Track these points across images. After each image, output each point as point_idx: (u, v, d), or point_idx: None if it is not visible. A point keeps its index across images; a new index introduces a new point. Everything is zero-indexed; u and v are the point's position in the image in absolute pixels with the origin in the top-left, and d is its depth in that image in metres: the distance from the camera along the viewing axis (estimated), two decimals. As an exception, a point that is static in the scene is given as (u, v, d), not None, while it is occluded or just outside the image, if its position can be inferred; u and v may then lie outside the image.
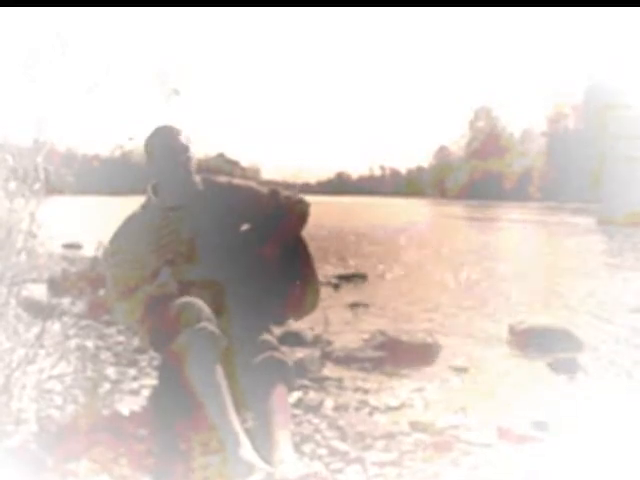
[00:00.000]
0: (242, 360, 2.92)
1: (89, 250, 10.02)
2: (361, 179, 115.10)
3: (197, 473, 2.69)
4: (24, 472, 2.60)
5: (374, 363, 4.71)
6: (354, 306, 7.41)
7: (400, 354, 4.86)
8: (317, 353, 4.81)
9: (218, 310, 2.99)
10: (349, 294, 8.46)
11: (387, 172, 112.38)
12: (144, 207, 3.31)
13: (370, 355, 4.82)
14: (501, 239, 20.83)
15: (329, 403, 3.73)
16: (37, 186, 3.02)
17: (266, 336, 3.03)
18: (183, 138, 3.29)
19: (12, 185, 3.00)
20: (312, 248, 3.44)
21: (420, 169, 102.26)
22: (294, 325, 4.57)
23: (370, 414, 3.63)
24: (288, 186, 3.76)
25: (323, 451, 3.05)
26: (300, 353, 4.69)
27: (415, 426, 3.39)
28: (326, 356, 4.81)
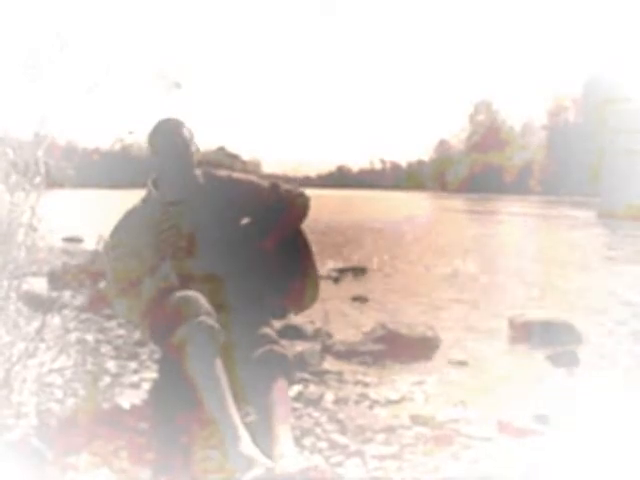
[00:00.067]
0: (242, 354, 2.92)
1: (89, 244, 10.05)
2: (362, 172, 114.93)
3: (197, 467, 2.70)
4: (24, 465, 2.60)
5: (374, 356, 4.71)
6: (354, 299, 7.42)
7: (400, 347, 4.87)
8: (317, 347, 4.82)
9: (218, 304, 2.99)
10: (349, 288, 8.47)
11: (388, 165, 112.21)
12: (144, 201, 3.31)
13: (370, 348, 4.83)
14: (501, 232, 20.83)
15: (329, 396, 3.73)
16: (37, 180, 3.02)
17: (266, 330, 3.03)
18: (186, 132, 3.29)
19: (13, 179, 3.00)
20: (312, 242, 3.44)
21: (420, 162, 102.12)
22: (294, 319, 4.59)
23: (370, 407, 3.63)
24: (289, 179, 3.76)
25: (323, 444, 3.05)
26: (300, 347, 4.70)
27: (415, 419, 3.39)
28: (326, 349, 4.82)
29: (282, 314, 3.39)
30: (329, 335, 5.27)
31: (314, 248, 3.44)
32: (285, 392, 2.91)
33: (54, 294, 5.25)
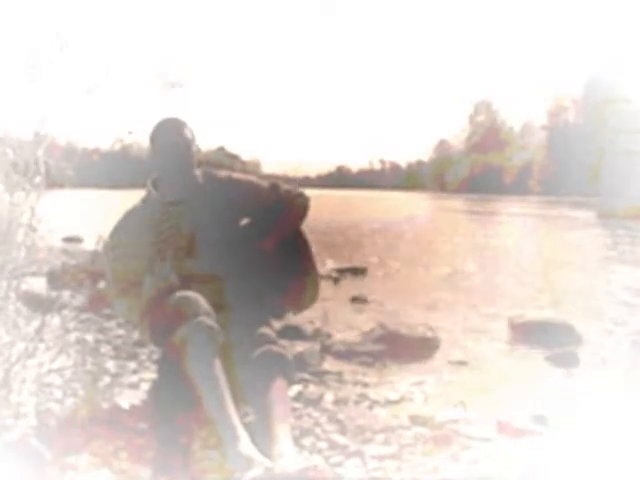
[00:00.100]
0: (241, 354, 2.92)
1: (89, 244, 10.04)
2: (361, 173, 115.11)
3: (197, 466, 2.70)
4: (23, 466, 2.60)
5: (374, 357, 4.71)
6: (354, 300, 7.42)
7: (400, 348, 4.87)
8: (317, 347, 4.83)
9: (218, 304, 2.99)
10: (349, 288, 8.46)
11: (387, 166, 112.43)
12: (144, 201, 3.31)
13: (370, 349, 4.83)
14: (501, 233, 20.82)
15: (329, 397, 3.73)
16: (37, 180, 3.02)
17: (265, 330, 3.02)
18: (188, 132, 3.29)
19: (13, 179, 3.00)
20: (312, 242, 3.44)
21: (420, 163, 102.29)
22: (294, 319, 4.58)
23: (370, 408, 3.63)
24: (288, 180, 3.77)
25: (323, 444, 3.05)
26: (300, 347, 4.70)
27: (415, 420, 3.40)
28: (326, 350, 4.82)
29: (282, 314, 3.39)
30: (329, 335, 5.27)
31: (314, 248, 3.44)
32: (284, 392, 2.91)
33: (53, 294, 5.25)
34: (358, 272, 9.88)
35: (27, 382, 3.08)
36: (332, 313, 6.07)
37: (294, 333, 5.10)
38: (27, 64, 3.13)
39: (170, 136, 3.25)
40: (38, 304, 4.06)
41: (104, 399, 3.41)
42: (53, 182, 3.13)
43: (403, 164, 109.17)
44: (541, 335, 5.33)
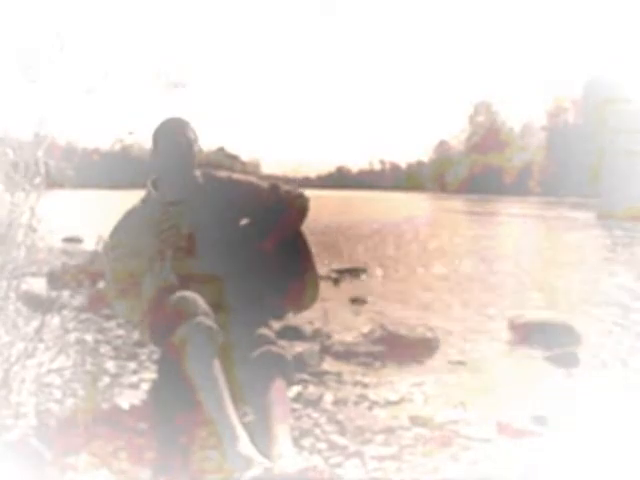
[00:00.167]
0: (240, 354, 2.92)
1: (89, 244, 10.04)
2: (361, 173, 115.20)
3: (196, 467, 2.70)
4: (23, 466, 2.60)
5: (373, 357, 4.71)
6: (354, 300, 7.41)
7: (399, 348, 4.87)
8: (316, 347, 4.82)
9: (217, 304, 2.99)
10: (349, 288, 8.46)
11: (387, 166, 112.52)
12: (144, 201, 3.31)
13: (369, 349, 4.82)
14: (501, 233, 20.83)
15: (328, 397, 3.73)
16: (37, 180, 3.02)
17: (263, 330, 3.03)
18: (191, 132, 3.30)
19: (13, 179, 3.00)
20: (312, 242, 3.45)
21: (420, 163, 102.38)
22: (293, 319, 4.58)
23: (369, 408, 3.63)
24: (288, 180, 3.77)
25: (322, 445, 3.05)
26: (299, 347, 4.70)
27: (414, 420, 3.40)
28: (325, 350, 4.82)
29: (281, 314, 3.40)
30: (328, 336, 5.26)
31: (314, 249, 3.44)
32: (283, 392, 2.91)
33: (53, 294, 5.24)
34: (358, 273, 9.88)
35: (27, 382, 3.08)
36: (332, 313, 6.06)
37: (293, 333, 5.10)
38: (27, 64, 3.13)
39: (173, 135, 3.26)
40: (38, 304, 4.06)
41: (104, 399, 3.42)
42: (53, 182, 3.13)
43: (403, 165, 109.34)
44: (541, 335, 5.32)
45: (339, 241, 15.61)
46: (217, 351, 2.79)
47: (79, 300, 5.77)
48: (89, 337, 4.78)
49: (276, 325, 3.39)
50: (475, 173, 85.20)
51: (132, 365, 4.16)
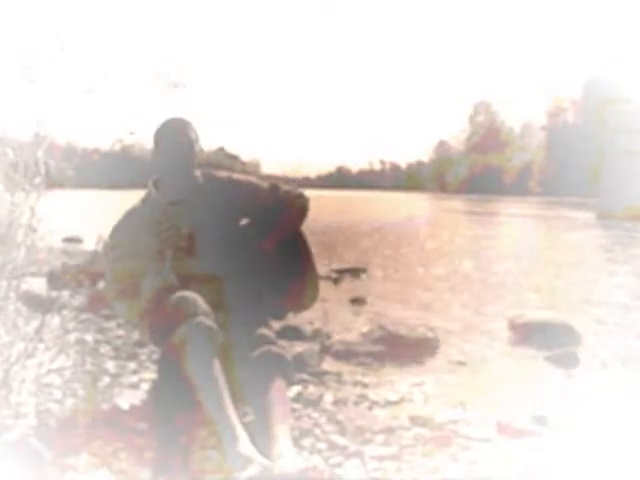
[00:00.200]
0: (240, 354, 2.92)
1: (89, 244, 10.04)
2: (361, 173, 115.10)
3: (196, 467, 2.70)
4: (23, 466, 2.60)
5: (373, 357, 4.71)
6: (354, 300, 7.41)
7: (399, 348, 4.87)
8: (316, 347, 4.82)
9: (217, 304, 2.99)
10: (349, 288, 8.46)
11: (387, 166, 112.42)
12: (144, 201, 3.31)
13: (369, 349, 4.82)
14: (501, 233, 20.83)
15: (328, 397, 3.73)
16: (37, 180, 3.02)
17: (263, 330, 3.02)
18: (193, 132, 3.30)
19: (13, 179, 3.00)
20: (312, 242, 3.44)
21: (420, 163, 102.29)
22: (293, 319, 4.58)
23: (369, 408, 3.63)
24: (288, 180, 3.77)
25: (322, 445, 3.05)
26: (299, 347, 4.70)
27: (414, 420, 3.39)
28: (325, 350, 4.82)
29: (281, 315, 3.39)
30: (328, 336, 5.26)
31: (314, 249, 3.44)
32: (283, 392, 2.91)
33: (53, 294, 5.24)
34: (358, 273, 9.88)
35: (27, 382, 3.08)
36: (332, 314, 6.06)
37: (293, 333, 5.10)
38: (27, 64, 3.13)
39: (175, 136, 3.26)
40: (38, 304, 4.06)
41: (104, 399, 3.41)
42: (53, 182, 3.13)
43: (403, 165, 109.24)
44: (541, 335, 5.32)
45: (339, 241, 15.61)
46: (217, 351, 2.79)
47: (79, 300, 5.77)
48: (89, 337, 4.78)
49: (276, 325, 3.39)
50: (475, 173, 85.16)
51: (132, 365, 4.16)
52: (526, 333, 5.45)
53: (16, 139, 3.11)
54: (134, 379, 3.87)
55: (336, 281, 9.11)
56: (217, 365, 2.75)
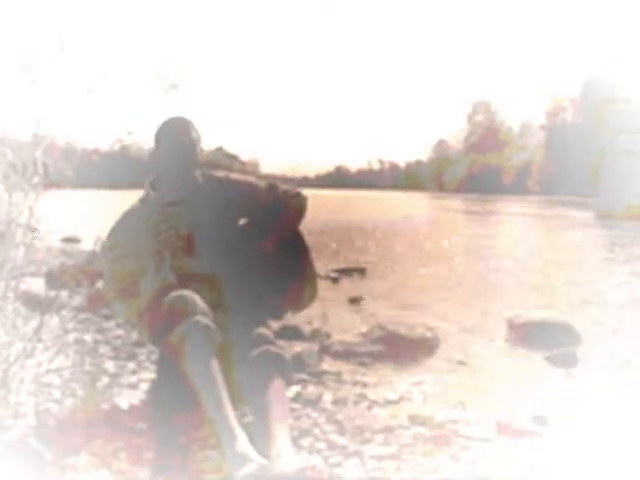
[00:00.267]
0: (239, 354, 2.92)
1: (88, 244, 10.03)
2: (360, 173, 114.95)
3: (195, 467, 2.69)
4: (23, 466, 2.60)
5: (373, 357, 4.71)
6: (353, 300, 7.41)
7: (399, 348, 4.87)
8: (315, 347, 4.82)
9: (216, 304, 2.99)
10: (348, 288, 8.46)
11: (386, 166, 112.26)
12: (142, 201, 3.31)
13: (369, 349, 4.83)
14: (500, 233, 20.82)
15: (328, 397, 3.73)
16: (36, 180, 3.02)
17: (262, 330, 3.02)
18: (194, 132, 3.29)
19: (11, 179, 3.00)
20: (310, 242, 3.44)
21: (419, 163, 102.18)
22: (292, 319, 4.58)
23: (369, 408, 3.63)
24: (287, 180, 3.77)
25: (322, 445, 3.05)
26: (298, 347, 4.70)
27: (414, 420, 3.39)
28: (324, 350, 4.82)
29: (280, 314, 3.39)
30: (327, 335, 5.26)
31: (312, 248, 3.44)
32: (282, 392, 2.90)
33: (52, 294, 5.23)
34: (357, 272, 9.88)
35: (26, 382, 3.08)
36: (331, 313, 6.06)
37: (292, 333, 5.10)
38: (27, 64, 3.12)
39: (175, 135, 3.25)
40: (36, 304, 4.05)
41: (103, 399, 3.41)
42: (52, 182, 3.13)
43: (402, 164, 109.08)
44: (540, 335, 5.32)
45: (338, 240, 15.60)
46: (215, 350, 2.78)
47: (78, 300, 5.77)
48: (88, 337, 4.78)
49: (275, 325, 3.39)
50: (474, 172, 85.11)
51: (131, 365, 4.16)
52: (526, 333, 5.45)
53: (15, 139, 3.11)
54: (133, 379, 3.87)
55: (335, 281, 9.12)
56: (215, 365, 2.74)
